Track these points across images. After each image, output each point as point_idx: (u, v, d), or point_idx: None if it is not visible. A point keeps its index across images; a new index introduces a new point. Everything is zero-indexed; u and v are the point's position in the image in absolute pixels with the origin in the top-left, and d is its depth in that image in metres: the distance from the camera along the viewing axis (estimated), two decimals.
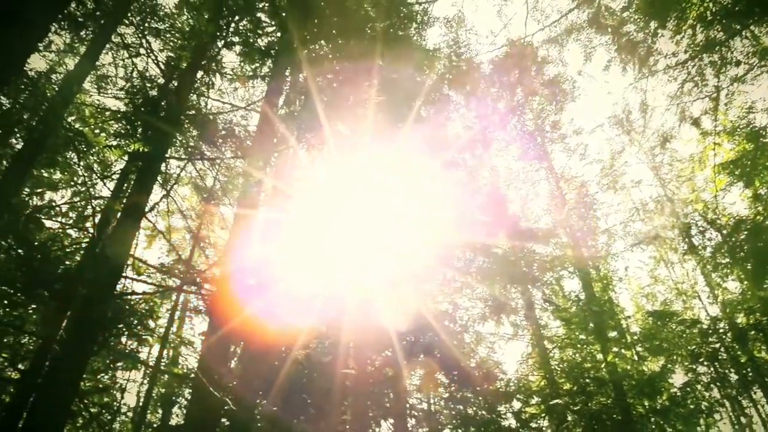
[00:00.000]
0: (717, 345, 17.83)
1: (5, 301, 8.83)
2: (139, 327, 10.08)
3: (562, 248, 19.23)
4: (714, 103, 15.00)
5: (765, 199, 16.74)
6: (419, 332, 15.45)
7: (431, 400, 17.69)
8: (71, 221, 12.75)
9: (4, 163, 9.60)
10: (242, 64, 13.27)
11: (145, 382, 18.45)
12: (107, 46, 10.47)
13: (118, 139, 10.35)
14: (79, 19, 9.88)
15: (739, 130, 17.00)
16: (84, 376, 9.67)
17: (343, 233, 13.14)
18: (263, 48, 12.30)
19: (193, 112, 11.84)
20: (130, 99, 10.09)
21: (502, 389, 16.44)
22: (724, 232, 17.79)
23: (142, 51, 10.98)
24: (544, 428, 16.34)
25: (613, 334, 16.30)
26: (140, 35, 10.95)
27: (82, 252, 10.62)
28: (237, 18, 11.81)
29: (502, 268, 16.45)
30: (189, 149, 11.99)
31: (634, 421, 14.17)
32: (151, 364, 18.28)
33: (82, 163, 10.89)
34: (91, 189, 12.07)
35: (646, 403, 14.73)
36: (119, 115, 10.76)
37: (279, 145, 12.43)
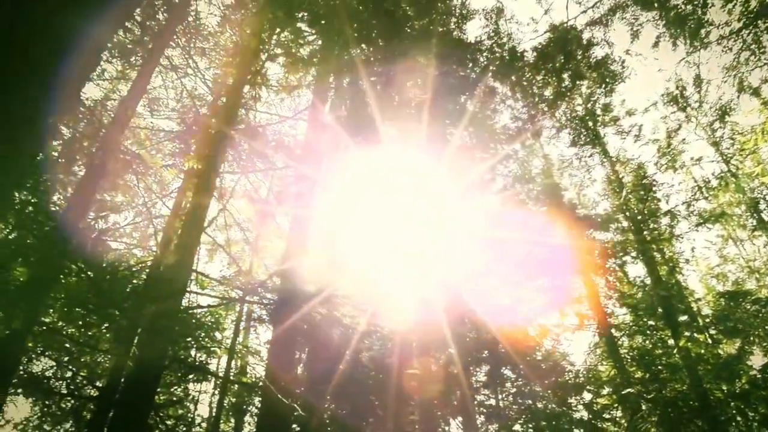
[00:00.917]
0: None
1: (80, 323, 9.19)
2: (206, 339, 10.34)
3: (623, 233, 18.70)
4: None
5: None
6: (482, 329, 15.30)
7: (499, 396, 17.48)
8: (135, 241, 13.22)
9: (69, 189, 10.02)
10: (286, 74, 13.47)
11: (216, 392, 18.88)
12: (156, 69, 10.79)
13: (173, 159, 10.66)
14: (128, 46, 10.22)
15: None
16: (158, 389, 10.00)
17: (398, 233, 13.13)
18: (306, 57, 12.45)
19: (243, 126, 12.08)
20: (182, 119, 10.37)
21: (570, 381, 16.11)
22: None
23: (189, 71, 11.29)
24: (617, 419, 15.92)
25: (683, 318, 15.75)
26: (187, 56, 11.25)
27: (147, 270, 10.99)
28: (278, 30, 12.00)
29: (561, 257, 16.13)
30: (242, 162, 12.23)
31: (713, 406, 13.64)
32: (220, 374, 18.75)
33: (141, 185, 11.26)
34: (151, 209, 12.47)
35: (724, 388, 14.16)
36: (173, 135, 11.07)
37: (328, 150, 12.53)
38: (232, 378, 18.66)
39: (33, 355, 9.92)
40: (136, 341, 9.27)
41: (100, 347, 10.71)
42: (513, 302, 17.60)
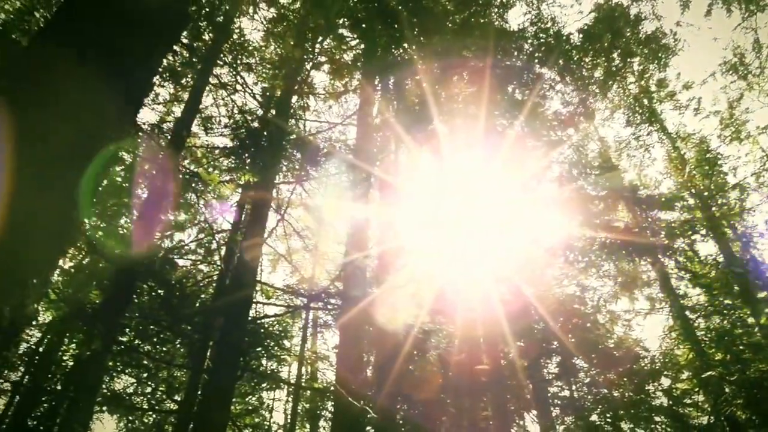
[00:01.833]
0: None
1: (154, 339, 9.53)
2: (275, 348, 10.55)
3: (689, 211, 18.00)
4: None
5: None
6: (550, 318, 15.01)
7: (573, 387, 17.10)
8: (200, 257, 13.60)
9: (135, 212, 10.40)
10: (332, 81, 13.59)
11: (290, 399, 19.21)
12: (207, 88, 11.08)
13: (230, 174, 10.91)
14: (178, 69, 10.52)
15: None
16: (233, 399, 10.26)
17: (458, 228, 13.04)
18: (350, 62, 12.53)
19: (294, 136, 12.25)
20: (235, 134, 10.60)
21: (646, 367, 15.60)
22: None
23: (238, 87, 11.52)
24: (699, 403, 15.33)
25: (762, 294, 15.01)
26: (234, 72, 11.50)
27: (214, 284, 11.29)
28: (320, 38, 12.13)
29: (626, 241, 15.65)
30: (295, 172, 12.40)
31: None
32: (292, 381, 19.08)
33: (201, 202, 11.57)
34: (213, 224, 12.80)
35: None
36: (227, 151, 11.34)
37: (380, 152, 12.58)
38: (303, 384, 18.97)
39: (114, 374, 10.35)
40: (208, 354, 9.53)
41: (176, 362, 11.07)
42: (579, 290, 17.22)
